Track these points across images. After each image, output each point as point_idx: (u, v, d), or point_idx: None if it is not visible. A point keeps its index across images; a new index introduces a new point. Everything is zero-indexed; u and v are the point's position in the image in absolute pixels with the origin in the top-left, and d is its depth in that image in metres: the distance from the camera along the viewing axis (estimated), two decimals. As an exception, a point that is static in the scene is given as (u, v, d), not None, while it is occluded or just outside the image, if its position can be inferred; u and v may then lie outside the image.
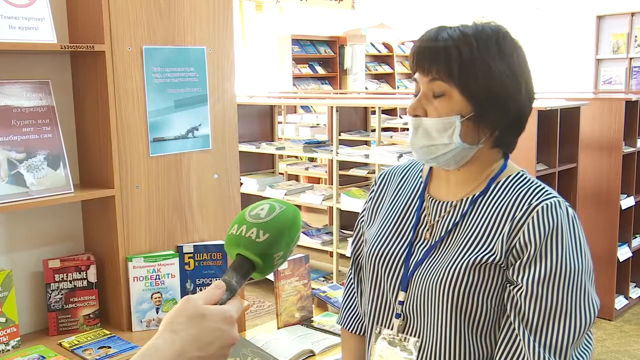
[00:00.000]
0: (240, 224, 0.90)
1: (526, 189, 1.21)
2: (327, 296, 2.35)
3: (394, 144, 5.86)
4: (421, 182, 1.35)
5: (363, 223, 1.45)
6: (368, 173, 5.44)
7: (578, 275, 1.14)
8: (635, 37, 8.14)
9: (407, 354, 1.26)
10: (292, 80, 8.95)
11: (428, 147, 1.22)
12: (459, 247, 1.21)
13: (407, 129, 6.84)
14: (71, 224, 2.27)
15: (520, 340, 1.14)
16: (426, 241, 1.27)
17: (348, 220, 5.29)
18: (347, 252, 4.71)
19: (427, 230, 1.28)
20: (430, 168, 1.34)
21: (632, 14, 8.13)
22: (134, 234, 2.20)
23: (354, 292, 1.50)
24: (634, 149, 4.35)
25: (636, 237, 4.60)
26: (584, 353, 1.17)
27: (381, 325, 1.32)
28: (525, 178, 1.25)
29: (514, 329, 1.15)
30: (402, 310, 1.27)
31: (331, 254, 4.94)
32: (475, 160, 1.24)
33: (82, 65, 2.17)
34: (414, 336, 1.26)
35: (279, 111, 6.62)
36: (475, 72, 1.16)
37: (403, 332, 1.28)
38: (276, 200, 0.94)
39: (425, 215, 1.30)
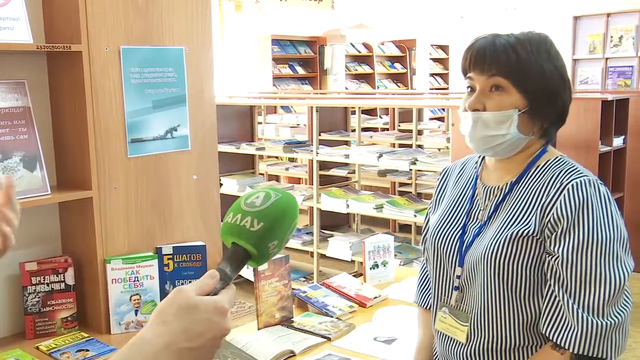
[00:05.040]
0: (236, 213, 0.90)
1: (560, 170, 1.38)
2: (307, 296, 2.35)
3: (374, 143, 5.88)
4: (475, 172, 1.54)
5: (430, 212, 1.66)
6: (348, 173, 5.45)
7: (608, 243, 1.29)
8: (611, 37, 8.24)
9: (463, 321, 1.47)
10: (272, 80, 8.93)
11: (487, 137, 1.39)
12: (501, 223, 1.40)
13: (387, 129, 6.87)
14: (48, 226, 2.24)
15: (561, 304, 1.31)
16: (478, 221, 1.47)
17: (328, 220, 5.29)
18: (327, 252, 4.72)
19: (479, 212, 1.48)
20: (483, 159, 1.54)
21: (608, 15, 8.23)
22: (112, 235, 2.18)
23: (427, 273, 1.68)
24: (610, 147, 4.40)
25: (613, 235, 4.65)
26: (624, 309, 1.31)
27: (443, 295, 1.53)
28: (563, 161, 1.42)
29: (556, 295, 1.32)
30: (459, 283, 1.48)
31: (312, 254, 4.94)
32: (524, 149, 1.43)
33: (59, 66, 2.15)
34: (469, 305, 1.46)
35: (259, 111, 6.61)
36: (530, 71, 1.35)
37: (461, 302, 1.48)
38: (273, 189, 0.93)
39: (477, 200, 1.49)
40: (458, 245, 1.47)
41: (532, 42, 1.37)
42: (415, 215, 4.23)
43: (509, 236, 1.36)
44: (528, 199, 1.38)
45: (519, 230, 1.35)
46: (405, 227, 6.13)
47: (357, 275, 2.72)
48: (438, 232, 1.53)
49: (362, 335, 2.09)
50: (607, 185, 4.42)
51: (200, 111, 2.41)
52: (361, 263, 2.69)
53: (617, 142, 4.52)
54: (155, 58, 2.26)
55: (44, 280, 2.11)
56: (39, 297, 2.11)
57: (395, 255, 2.76)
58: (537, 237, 1.34)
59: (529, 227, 1.35)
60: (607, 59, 8.30)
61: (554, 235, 1.32)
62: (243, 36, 8.86)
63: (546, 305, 1.34)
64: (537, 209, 1.35)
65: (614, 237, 1.30)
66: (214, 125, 2.47)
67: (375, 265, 2.59)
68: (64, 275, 2.14)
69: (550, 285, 1.33)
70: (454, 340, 1.49)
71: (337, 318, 2.22)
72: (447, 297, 1.51)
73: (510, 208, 1.40)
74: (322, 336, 2.07)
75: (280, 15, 9.23)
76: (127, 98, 2.18)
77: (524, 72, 1.35)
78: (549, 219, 1.33)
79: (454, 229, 1.50)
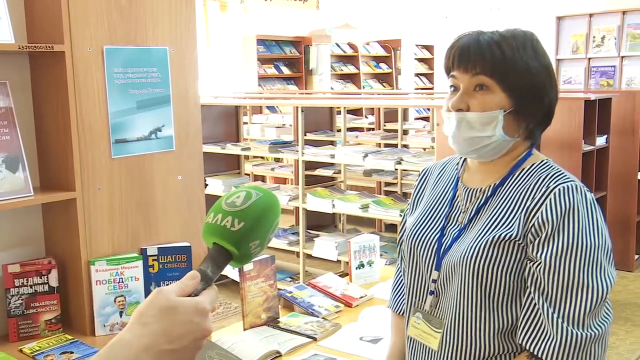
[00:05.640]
0: (216, 213, 0.89)
1: (546, 174, 1.33)
2: (293, 297, 2.35)
3: (359, 143, 5.89)
4: (456, 174, 1.49)
5: (407, 213, 1.60)
6: (334, 173, 5.45)
7: (593, 252, 1.24)
8: (594, 37, 8.32)
9: (436, 327, 1.41)
10: (257, 80, 8.92)
11: (471, 139, 1.34)
12: (483, 227, 1.35)
13: (373, 129, 6.89)
14: (31, 227, 2.22)
15: (540, 312, 1.25)
16: (458, 224, 1.41)
17: (314, 220, 5.29)
18: (313, 252, 4.72)
19: (459, 215, 1.42)
20: (464, 161, 1.48)
21: (591, 15, 8.31)
22: (97, 236, 2.17)
23: (402, 278, 1.63)
24: (593, 147, 4.45)
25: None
26: (604, 321, 1.26)
27: (418, 300, 1.47)
28: (549, 165, 1.37)
29: (535, 303, 1.26)
30: (435, 288, 1.42)
31: (297, 254, 4.94)
32: (509, 151, 1.38)
33: (41, 66, 2.13)
34: (443, 311, 1.40)
35: (244, 112, 6.59)
36: (516, 68, 1.30)
37: (435, 307, 1.42)
38: (254, 187, 0.92)
39: (458, 202, 1.44)
40: (435, 248, 1.42)
41: (518, 39, 1.32)
42: (400, 215, 4.24)
43: (490, 240, 1.31)
44: (512, 202, 1.33)
45: (501, 234, 1.30)
46: (391, 227, 6.15)
47: (343, 275, 2.72)
48: (415, 234, 1.47)
49: (348, 335, 2.10)
50: (590, 184, 4.48)
51: (184, 111, 2.40)
52: (347, 263, 2.69)
53: (600, 141, 4.57)
54: (139, 58, 2.24)
55: (27, 283, 2.09)
56: (22, 300, 2.09)
57: (381, 255, 2.77)
58: (520, 241, 1.29)
59: (512, 230, 1.29)
60: (589, 58, 8.38)
61: (537, 241, 1.27)
62: (228, 36, 8.84)
63: (524, 313, 1.28)
64: (521, 213, 1.30)
65: (598, 245, 1.25)
66: (199, 126, 2.46)
67: (361, 265, 2.60)
68: (47, 277, 2.12)
69: (529, 292, 1.28)
70: (425, 351, 1.43)
71: (323, 318, 2.22)
72: (422, 301, 1.45)
73: (493, 211, 1.35)
74: (308, 336, 2.07)
75: (265, 15, 9.22)
76: (110, 98, 2.17)
77: (509, 70, 1.30)
78: (533, 223, 1.27)
79: (432, 231, 1.44)
